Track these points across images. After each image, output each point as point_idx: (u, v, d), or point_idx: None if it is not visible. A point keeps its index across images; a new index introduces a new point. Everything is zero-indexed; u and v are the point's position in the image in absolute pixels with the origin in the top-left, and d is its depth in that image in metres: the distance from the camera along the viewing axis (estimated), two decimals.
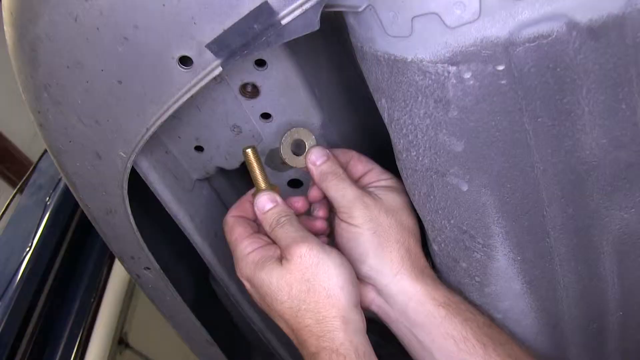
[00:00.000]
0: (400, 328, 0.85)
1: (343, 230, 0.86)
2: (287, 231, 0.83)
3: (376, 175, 0.91)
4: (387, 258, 0.84)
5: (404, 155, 0.73)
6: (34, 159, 4.36)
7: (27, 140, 4.57)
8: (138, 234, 0.89)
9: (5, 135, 4.45)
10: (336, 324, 0.77)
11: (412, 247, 0.85)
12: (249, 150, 0.85)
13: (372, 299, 0.87)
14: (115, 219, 0.86)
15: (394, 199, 0.87)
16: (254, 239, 0.85)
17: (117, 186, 0.80)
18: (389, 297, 0.85)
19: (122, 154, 0.74)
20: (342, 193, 0.85)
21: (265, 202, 0.86)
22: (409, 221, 0.87)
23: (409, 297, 0.83)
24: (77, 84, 0.68)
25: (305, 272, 0.79)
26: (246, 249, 0.84)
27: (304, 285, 0.79)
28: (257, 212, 0.87)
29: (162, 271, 0.97)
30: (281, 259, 0.81)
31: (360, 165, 0.92)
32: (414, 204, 0.81)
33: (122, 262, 0.97)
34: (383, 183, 0.90)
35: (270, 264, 0.81)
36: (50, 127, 0.75)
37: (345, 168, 0.89)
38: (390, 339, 0.89)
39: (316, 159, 0.87)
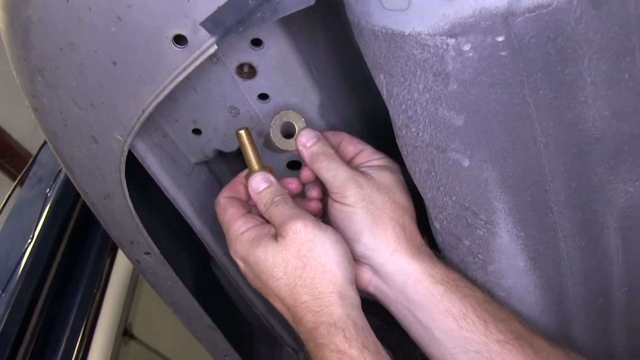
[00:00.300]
0: (399, 308, 0.85)
1: (336, 211, 0.85)
2: (282, 209, 0.83)
3: (368, 155, 0.91)
4: (382, 236, 0.84)
5: (404, 132, 0.73)
6: (35, 153, 4.37)
7: (28, 134, 4.57)
8: (137, 218, 0.88)
9: (6, 129, 4.45)
10: (333, 299, 0.77)
11: (407, 225, 0.85)
12: (242, 132, 0.85)
13: (369, 279, 0.86)
14: (113, 204, 0.85)
15: (386, 177, 0.86)
16: (248, 219, 0.85)
17: (114, 170, 0.79)
18: (386, 276, 0.84)
19: (119, 137, 0.74)
20: (333, 173, 0.85)
21: (260, 182, 0.87)
22: (402, 199, 0.86)
23: (407, 276, 0.82)
24: (71, 66, 0.67)
25: (301, 248, 0.79)
26: (240, 228, 0.84)
27: (299, 262, 0.78)
28: (252, 192, 0.87)
29: (162, 256, 0.96)
30: (276, 236, 0.81)
31: (352, 146, 0.92)
32: (415, 181, 0.80)
33: (122, 247, 0.96)
34: (375, 162, 0.89)
35: (265, 241, 0.81)
36: (45, 111, 0.75)
37: (336, 150, 0.89)
38: (393, 322, 0.89)
39: (306, 141, 0.87)
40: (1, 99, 4.35)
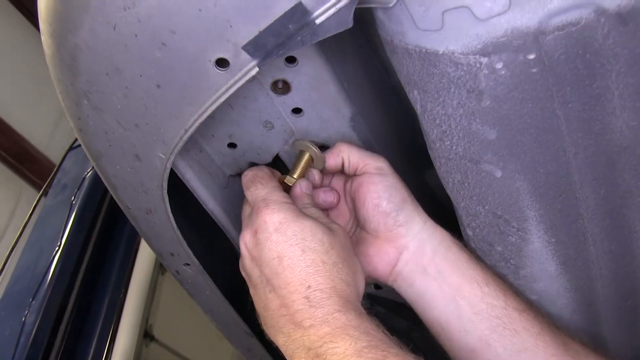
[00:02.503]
0: (425, 280, 0.89)
1: (378, 183, 0.90)
2: (321, 211, 0.90)
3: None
4: (417, 206, 0.91)
5: (438, 145, 0.75)
6: (53, 159, 4.41)
7: (45, 140, 4.61)
8: (177, 231, 0.91)
9: (24, 136, 4.48)
10: (354, 294, 0.80)
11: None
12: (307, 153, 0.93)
13: (394, 260, 0.91)
14: (155, 218, 0.88)
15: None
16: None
17: (156, 186, 0.81)
18: (419, 245, 0.89)
19: (162, 155, 0.76)
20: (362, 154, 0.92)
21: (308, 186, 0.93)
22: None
23: (439, 241, 0.89)
24: (117, 90, 0.70)
25: (345, 247, 0.84)
26: (286, 199, 0.86)
27: (342, 254, 0.82)
28: (297, 190, 0.92)
29: (201, 266, 0.99)
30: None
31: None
32: (447, 191, 0.82)
33: (162, 259, 0.99)
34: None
35: (317, 220, 0.84)
36: (90, 133, 0.77)
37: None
38: (420, 322, 0.91)
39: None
40: (18, 106, 4.40)
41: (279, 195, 0.85)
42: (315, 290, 0.76)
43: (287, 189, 0.92)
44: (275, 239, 0.80)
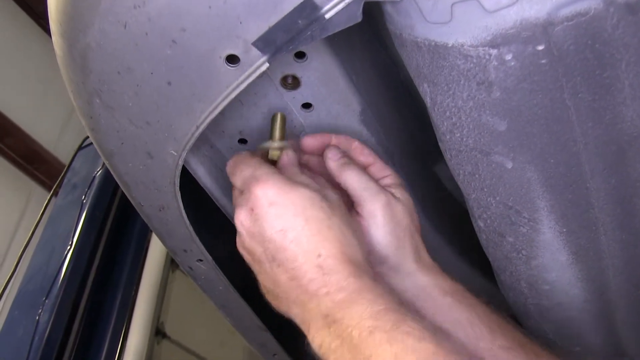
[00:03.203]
0: None
1: (366, 233, 0.86)
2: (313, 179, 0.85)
3: (380, 171, 0.92)
4: (405, 254, 0.86)
5: (448, 137, 0.75)
6: (62, 159, 4.43)
7: (54, 140, 4.63)
8: (190, 227, 0.91)
9: (33, 137, 4.51)
10: (363, 259, 0.79)
11: (420, 242, 0.88)
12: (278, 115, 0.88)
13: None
14: (167, 215, 0.89)
15: (405, 196, 0.88)
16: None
17: (168, 183, 0.82)
18: (399, 289, 0.84)
19: (173, 152, 0.77)
20: (364, 186, 0.86)
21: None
22: (416, 217, 0.89)
23: (420, 289, 0.84)
24: (128, 88, 0.70)
25: (345, 212, 0.82)
26: (273, 170, 0.82)
27: (344, 219, 0.80)
28: (285, 159, 0.87)
29: (214, 262, 1.00)
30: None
31: (362, 157, 0.92)
32: (459, 183, 0.82)
33: (175, 255, 0.99)
34: (389, 180, 0.91)
35: (312, 187, 0.81)
36: (102, 131, 0.78)
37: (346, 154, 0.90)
38: None
39: (333, 155, 0.89)
40: (27, 108, 4.42)
41: (266, 169, 0.81)
42: (327, 257, 0.75)
43: (273, 163, 0.87)
44: (275, 213, 0.78)
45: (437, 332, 0.68)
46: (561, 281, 0.86)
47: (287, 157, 0.86)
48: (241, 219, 0.81)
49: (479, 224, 0.86)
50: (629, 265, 0.83)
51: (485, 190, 0.79)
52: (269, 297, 0.85)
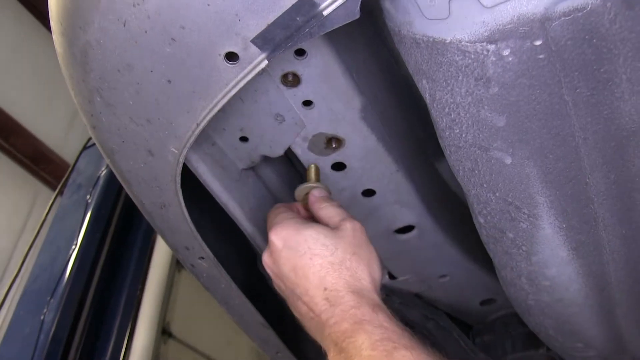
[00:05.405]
0: None
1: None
2: (339, 210, 0.92)
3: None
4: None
5: (447, 133, 0.75)
6: (68, 159, 4.44)
7: (60, 141, 4.63)
8: (192, 225, 0.92)
9: (38, 137, 4.51)
10: (371, 288, 0.85)
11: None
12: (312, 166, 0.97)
13: None
14: (169, 213, 0.89)
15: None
16: (297, 214, 0.95)
17: (170, 181, 0.82)
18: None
19: (174, 150, 0.77)
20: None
21: (322, 191, 0.96)
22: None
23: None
24: (128, 85, 0.71)
25: (354, 242, 0.88)
26: (289, 215, 0.93)
27: (350, 249, 0.87)
28: (312, 197, 0.95)
29: (216, 259, 1.00)
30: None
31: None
32: (458, 179, 0.83)
33: (177, 253, 1.00)
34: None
35: (318, 226, 0.89)
36: (103, 129, 0.78)
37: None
38: (435, 312, 0.91)
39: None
40: (33, 108, 4.43)
41: (282, 216, 0.92)
42: (332, 290, 0.84)
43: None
44: (286, 255, 0.89)
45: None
46: (561, 277, 0.86)
47: (313, 195, 0.96)
48: (265, 262, 0.93)
49: (479, 220, 0.86)
50: (629, 261, 0.83)
51: (485, 186, 0.79)
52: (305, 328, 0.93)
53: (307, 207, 0.97)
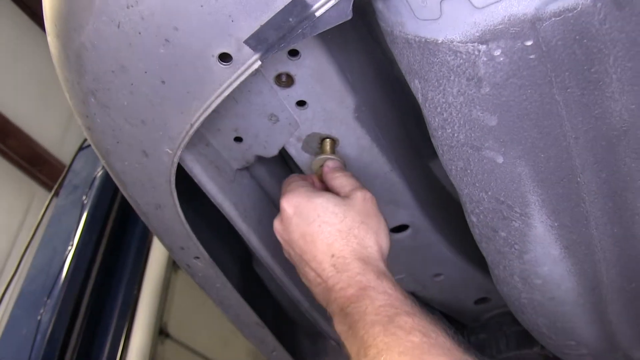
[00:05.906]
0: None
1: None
2: (352, 179, 0.94)
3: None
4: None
5: (439, 133, 0.76)
6: (64, 161, 4.43)
7: (56, 142, 4.63)
8: (187, 225, 0.92)
9: (35, 139, 4.50)
10: (378, 256, 0.87)
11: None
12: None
13: None
14: (164, 213, 0.89)
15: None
16: (309, 182, 0.96)
17: (164, 181, 0.83)
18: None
19: (169, 151, 0.78)
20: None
21: (336, 162, 0.97)
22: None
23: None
24: (123, 87, 0.71)
25: (363, 211, 0.89)
26: (301, 183, 0.95)
27: (359, 217, 0.88)
28: (326, 167, 0.96)
29: (211, 259, 1.00)
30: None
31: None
32: (451, 179, 0.83)
33: (173, 253, 1.00)
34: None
35: (328, 194, 0.90)
36: (97, 130, 0.79)
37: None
38: (430, 310, 0.91)
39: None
40: (29, 110, 4.42)
41: (295, 184, 0.94)
42: (339, 257, 0.86)
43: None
44: (296, 222, 0.90)
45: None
46: (553, 275, 0.86)
47: (326, 167, 0.97)
48: (276, 229, 0.95)
49: (472, 219, 0.87)
50: (621, 259, 0.84)
51: (477, 185, 0.79)
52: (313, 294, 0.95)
53: (321, 179, 0.98)
